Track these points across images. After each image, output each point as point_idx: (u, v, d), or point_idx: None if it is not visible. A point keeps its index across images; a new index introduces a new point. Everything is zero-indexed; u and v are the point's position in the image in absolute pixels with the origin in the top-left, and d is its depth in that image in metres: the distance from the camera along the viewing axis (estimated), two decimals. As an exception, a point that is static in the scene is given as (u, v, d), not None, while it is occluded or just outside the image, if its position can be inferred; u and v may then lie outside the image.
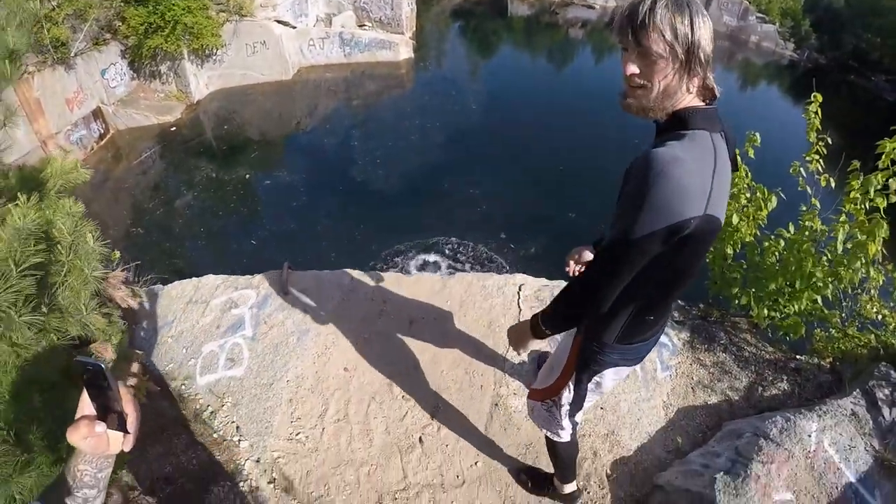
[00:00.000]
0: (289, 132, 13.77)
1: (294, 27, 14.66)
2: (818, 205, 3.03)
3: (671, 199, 1.08)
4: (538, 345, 1.60)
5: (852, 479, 2.13)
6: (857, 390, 2.50)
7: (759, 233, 3.18)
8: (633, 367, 1.63)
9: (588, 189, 11.24)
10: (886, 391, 2.50)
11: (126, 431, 0.84)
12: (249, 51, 13.66)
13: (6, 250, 1.32)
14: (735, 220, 3.07)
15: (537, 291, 3.19)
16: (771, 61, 22.59)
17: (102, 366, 0.78)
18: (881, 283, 2.94)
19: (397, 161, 12.00)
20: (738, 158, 1.36)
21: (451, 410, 2.58)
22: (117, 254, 3.21)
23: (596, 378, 1.59)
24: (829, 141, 3.04)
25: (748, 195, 3.15)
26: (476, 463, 2.39)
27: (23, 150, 8.70)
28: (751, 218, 3.13)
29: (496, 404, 2.60)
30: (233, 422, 2.65)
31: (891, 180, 2.67)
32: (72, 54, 10.32)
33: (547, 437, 1.92)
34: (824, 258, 2.89)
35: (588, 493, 2.30)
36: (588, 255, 1.86)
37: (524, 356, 2.85)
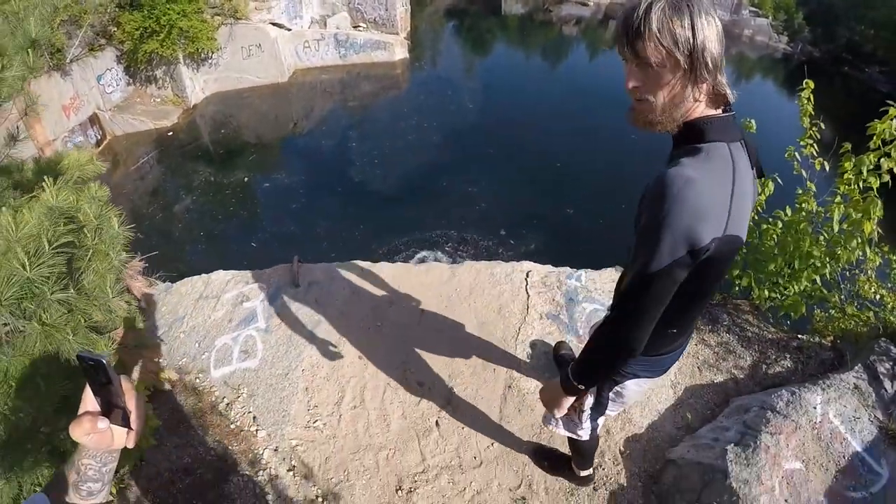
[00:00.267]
0: (286, 134, 13.81)
1: (289, 29, 14.71)
2: (813, 188, 3.11)
3: (689, 224, 1.02)
4: (570, 402, 1.52)
5: (858, 449, 2.19)
6: (859, 365, 2.57)
7: (756, 217, 3.25)
8: (655, 380, 1.57)
9: (584, 185, 11.35)
10: (887, 365, 2.57)
11: (129, 427, 0.83)
12: (245, 54, 13.70)
13: (39, 227, 1.36)
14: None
15: (544, 277, 3.25)
16: (765, 55, 22.76)
17: (104, 360, 0.77)
18: (878, 263, 3.02)
19: (395, 161, 12.06)
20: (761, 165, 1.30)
21: (465, 394, 2.64)
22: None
23: (617, 388, 1.54)
24: (822, 126, 3.12)
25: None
26: (492, 444, 2.44)
27: (21, 157, 8.69)
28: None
29: (509, 386, 2.66)
30: (249, 412, 2.69)
31: (882, 160, 2.75)
32: (67, 60, 10.34)
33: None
34: (821, 238, 2.97)
35: (603, 469, 2.36)
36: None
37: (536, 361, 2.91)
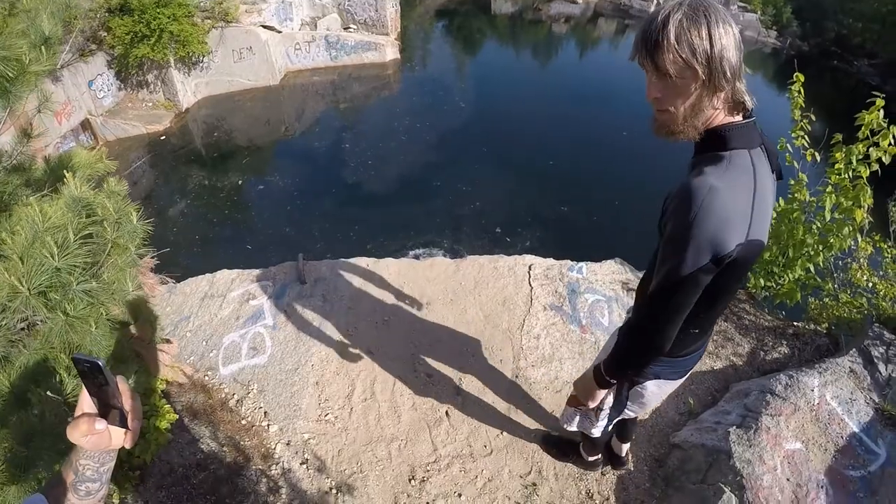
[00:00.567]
0: (278, 137, 13.79)
1: (280, 32, 14.68)
2: (805, 178, 3.19)
3: (714, 232, 1.06)
4: (602, 394, 1.58)
5: (856, 430, 2.27)
6: (854, 349, 2.66)
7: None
8: (676, 383, 1.60)
9: (578, 183, 11.44)
10: (881, 349, 2.66)
11: (127, 428, 0.83)
12: (236, 57, 13.66)
13: (64, 219, 1.38)
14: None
15: (546, 270, 3.32)
16: (754, 50, 23.00)
17: (100, 362, 0.77)
18: (870, 252, 3.12)
19: (388, 162, 12.09)
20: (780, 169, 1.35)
21: (473, 384, 2.69)
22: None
23: (637, 388, 1.58)
24: (813, 118, 3.21)
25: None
26: (501, 432, 2.50)
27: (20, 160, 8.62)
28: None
29: (516, 376, 2.72)
30: (260, 407, 2.73)
31: (871, 150, 2.84)
32: (58, 66, 10.24)
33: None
34: (814, 227, 3.06)
35: (609, 454, 2.42)
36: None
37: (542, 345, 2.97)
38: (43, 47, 1.79)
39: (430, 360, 2.81)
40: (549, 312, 3.07)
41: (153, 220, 1.93)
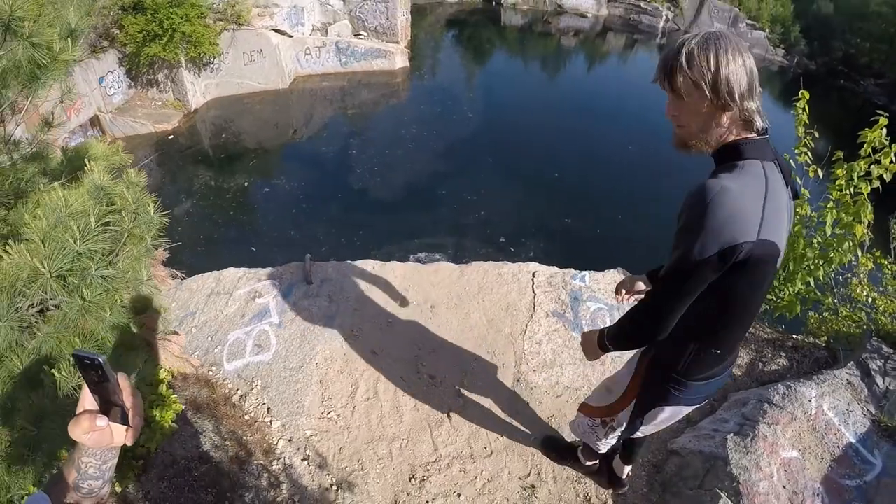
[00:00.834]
0: (286, 140, 13.89)
1: (291, 36, 14.85)
2: (807, 193, 3.24)
3: (723, 224, 1.14)
4: (599, 356, 1.65)
5: (852, 440, 2.30)
6: (852, 362, 2.69)
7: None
8: (691, 408, 1.64)
9: (583, 195, 11.51)
10: (879, 363, 2.69)
11: (128, 425, 0.83)
12: (246, 59, 13.80)
13: (85, 205, 1.43)
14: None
15: (550, 277, 3.36)
16: (761, 67, 23.10)
17: (101, 359, 0.76)
18: (870, 268, 3.15)
19: (395, 169, 12.17)
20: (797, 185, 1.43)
21: (475, 387, 2.73)
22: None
23: (654, 410, 1.61)
24: (817, 135, 3.26)
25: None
26: (502, 435, 2.53)
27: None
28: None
29: (518, 380, 2.75)
30: (263, 403, 2.76)
31: (873, 167, 2.89)
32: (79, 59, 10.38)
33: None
34: (815, 241, 3.10)
35: (608, 459, 2.44)
36: (641, 286, 1.86)
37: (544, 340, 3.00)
38: (69, 39, 1.84)
39: (433, 362, 2.85)
40: (551, 319, 3.10)
41: (169, 213, 1.96)
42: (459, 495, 2.32)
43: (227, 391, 2.86)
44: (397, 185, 11.64)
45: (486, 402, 2.66)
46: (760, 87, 1.22)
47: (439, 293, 3.26)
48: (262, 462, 2.53)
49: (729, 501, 2.02)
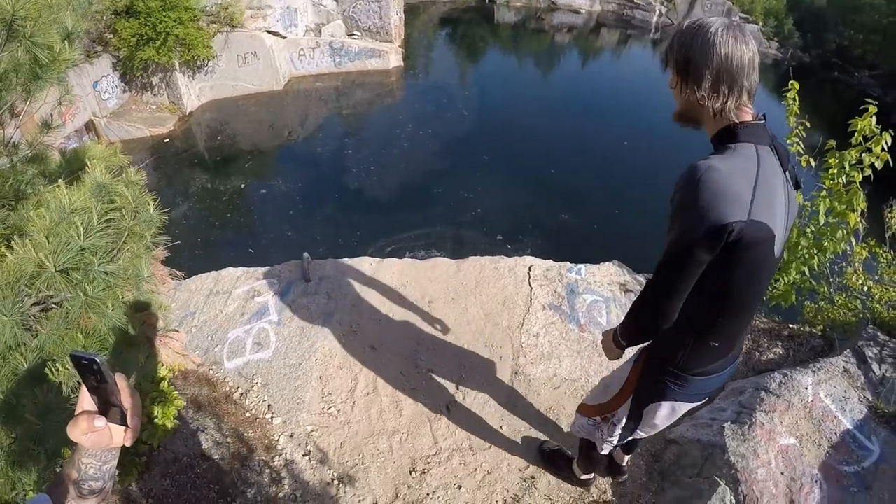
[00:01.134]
0: (282, 142, 13.87)
1: (284, 37, 14.82)
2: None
3: (711, 202, 1.15)
4: (617, 354, 1.68)
5: (849, 427, 2.32)
6: (848, 350, 2.71)
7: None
8: (691, 405, 1.61)
9: (579, 191, 11.52)
10: (875, 350, 2.71)
11: (126, 426, 0.82)
12: (240, 61, 13.77)
13: (87, 202, 1.44)
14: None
15: (546, 271, 3.38)
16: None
17: (98, 360, 0.76)
18: (865, 257, 3.18)
19: (390, 168, 12.17)
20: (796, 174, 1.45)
21: (474, 381, 2.74)
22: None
23: (652, 405, 1.59)
24: (808, 125, 3.28)
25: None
26: (501, 427, 2.55)
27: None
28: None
29: (516, 373, 2.77)
30: (264, 400, 2.78)
31: (864, 155, 2.91)
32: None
33: (584, 439, 1.98)
34: (808, 230, 3.12)
35: (607, 448, 2.46)
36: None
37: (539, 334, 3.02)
38: (66, 41, 1.85)
39: (431, 357, 2.87)
40: (548, 312, 3.12)
41: (167, 212, 1.97)
42: (460, 487, 2.34)
43: (227, 389, 2.88)
44: (393, 184, 11.64)
45: (485, 395, 2.68)
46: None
47: (436, 288, 3.28)
48: (263, 458, 2.55)
49: (728, 490, 2.04)
